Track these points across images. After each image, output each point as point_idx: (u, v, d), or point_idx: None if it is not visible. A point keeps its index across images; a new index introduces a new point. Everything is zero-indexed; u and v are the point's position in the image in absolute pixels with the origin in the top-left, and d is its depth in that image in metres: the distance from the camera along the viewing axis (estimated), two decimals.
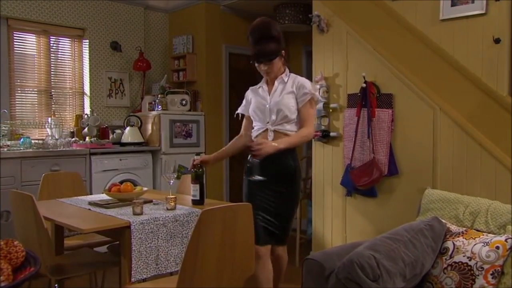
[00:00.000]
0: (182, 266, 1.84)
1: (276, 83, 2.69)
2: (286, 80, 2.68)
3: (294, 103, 2.62)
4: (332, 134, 3.90)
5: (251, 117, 2.78)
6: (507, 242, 1.87)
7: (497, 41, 2.95)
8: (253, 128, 2.78)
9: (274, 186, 2.58)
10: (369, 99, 3.58)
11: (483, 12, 3.03)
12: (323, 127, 3.96)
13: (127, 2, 5.24)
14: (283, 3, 5.07)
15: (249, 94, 2.87)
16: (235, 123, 5.50)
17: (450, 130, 3.19)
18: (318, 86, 3.86)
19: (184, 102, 5.09)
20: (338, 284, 1.88)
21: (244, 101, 2.91)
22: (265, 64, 2.61)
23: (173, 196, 2.48)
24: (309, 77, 4.03)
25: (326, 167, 3.99)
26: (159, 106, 4.96)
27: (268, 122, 2.64)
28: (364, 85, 3.60)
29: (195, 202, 2.62)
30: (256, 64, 2.65)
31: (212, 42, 5.34)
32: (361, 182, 3.54)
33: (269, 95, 2.68)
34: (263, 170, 2.61)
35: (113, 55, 5.17)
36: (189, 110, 5.16)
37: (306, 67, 5.59)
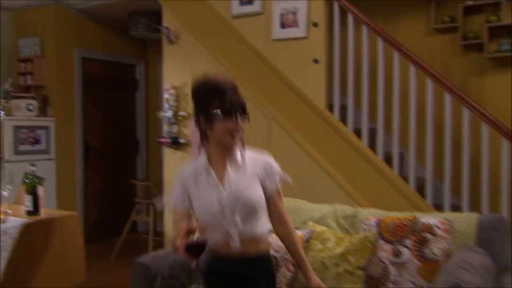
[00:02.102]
0: (3, 279, 1.86)
1: (227, 163, 1.82)
2: (239, 157, 1.84)
3: (261, 191, 1.83)
4: (181, 140, 4.10)
5: (197, 220, 1.85)
6: (304, 235, 2.25)
7: (315, 61, 3.43)
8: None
9: None
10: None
11: (305, 35, 3.49)
12: (173, 134, 4.14)
13: None
14: (138, 10, 5.14)
15: (186, 183, 1.86)
16: (90, 129, 5.43)
17: (281, 138, 3.60)
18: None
19: (31, 107, 4.85)
20: (163, 283, 2.08)
21: (179, 193, 1.87)
22: (241, 119, 1.76)
23: (2, 210, 2.43)
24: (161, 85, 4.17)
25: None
26: (2, 112, 4.66)
27: (229, 225, 1.77)
28: None
29: (29, 213, 2.59)
30: (222, 122, 1.73)
31: (64, 46, 5.18)
32: None
33: (222, 183, 1.80)
34: None
35: None
36: (38, 116, 4.93)
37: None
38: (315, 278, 1.86)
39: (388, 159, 3.32)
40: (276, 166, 1.87)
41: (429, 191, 3.16)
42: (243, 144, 1.84)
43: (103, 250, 5.04)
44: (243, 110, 1.77)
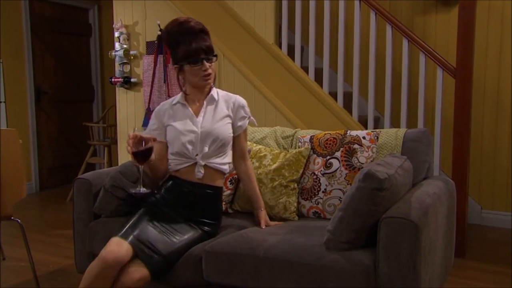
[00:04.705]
0: None
1: (204, 102, 2.04)
2: (216, 98, 2.06)
3: (231, 129, 2.05)
4: (133, 80, 4.09)
5: (170, 147, 2.04)
6: None
7: None
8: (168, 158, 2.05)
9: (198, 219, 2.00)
10: (164, 46, 3.84)
11: None
12: (125, 74, 4.12)
13: None
14: None
15: (163, 115, 2.07)
16: (42, 73, 5.29)
17: (231, 73, 3.65)
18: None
19: None
20: (106, 194, 2.14)
21: (154, 122, 2.08)
22: (208, 62, 1.93)
23: None
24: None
25: (130, 112, 4.18)
26: None
27: (197, 155, 1.98)
28: (159, 32, 3.83)
29: None
30: (190, 67, 1.93)
31: None
32: None
33: (197, 117, 2.01)
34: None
35: None
36: None
37: None
38: (264, 214, 2.08)
39: (333, 95, 3.45)
40: (246, 109, 2.08)
41: (370, 122, 3.33)
42: (214, 83, 2.04)
43: (59, 194, 5.05)
44: (210, 53, 1.94)
